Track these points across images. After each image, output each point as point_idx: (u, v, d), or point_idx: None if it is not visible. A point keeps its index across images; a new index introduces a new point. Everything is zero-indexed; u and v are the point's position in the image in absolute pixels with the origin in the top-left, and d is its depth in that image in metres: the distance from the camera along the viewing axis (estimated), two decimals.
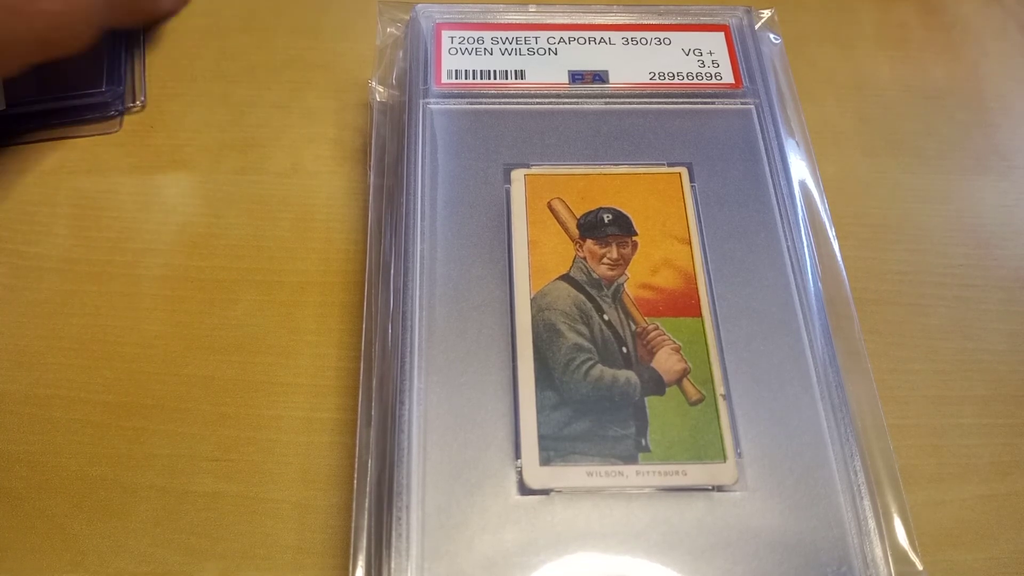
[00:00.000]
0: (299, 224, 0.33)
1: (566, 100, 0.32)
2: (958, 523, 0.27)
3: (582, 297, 0.27)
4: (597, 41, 0.33)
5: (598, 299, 0.27)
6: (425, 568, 0.23)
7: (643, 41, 0.34)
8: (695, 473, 0.24)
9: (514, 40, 0.33)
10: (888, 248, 0.33)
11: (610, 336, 0.26)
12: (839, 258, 0.30)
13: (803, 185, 0.31)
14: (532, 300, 0.27)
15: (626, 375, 0.26)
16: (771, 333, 0.27)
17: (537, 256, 0.28)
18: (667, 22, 0.34)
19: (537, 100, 0.32)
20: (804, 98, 0.34)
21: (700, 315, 0.27)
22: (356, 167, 0.35)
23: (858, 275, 0.32)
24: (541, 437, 0.25)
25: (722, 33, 0.34)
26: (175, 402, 0.29)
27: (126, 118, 0.36)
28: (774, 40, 0.35)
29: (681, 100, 0.32)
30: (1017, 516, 0.28)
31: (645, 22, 0.34)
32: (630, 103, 0.32)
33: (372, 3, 0.35)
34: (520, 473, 0.24)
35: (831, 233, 0.31)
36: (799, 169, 0.31)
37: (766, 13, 0.36)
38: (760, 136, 0.31)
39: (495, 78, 0.32)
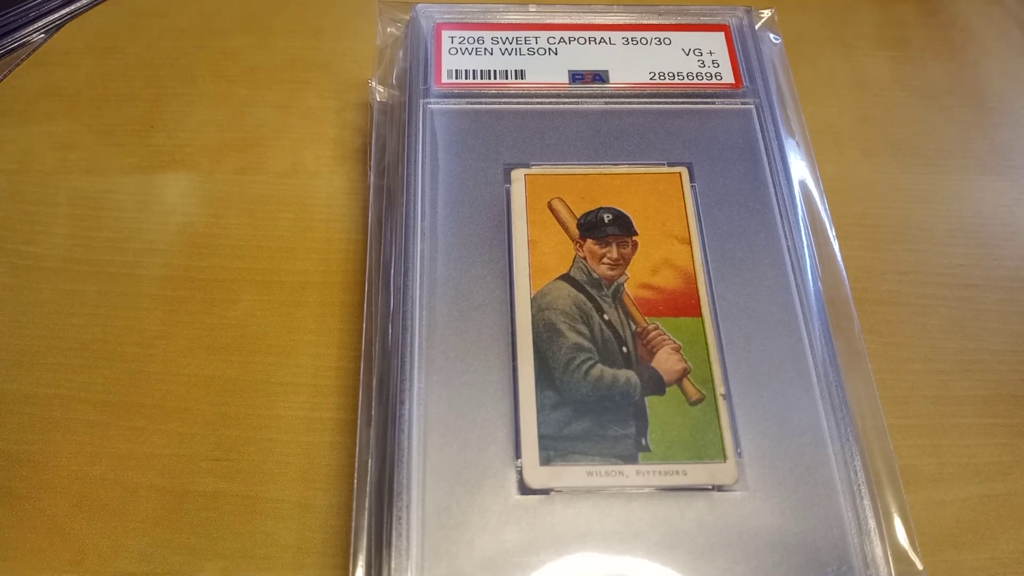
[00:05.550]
0: (299, 224, 0.33)
1: (566, 100, 0.32)
2: (958, 523, 0.27)
3: (582, 297, 0.27)
4: (597, 41, 0.33)
5: (598, 299, 0.27)
6: (425, 568, 0.23)
7: (643, 41, 0.34)
8: (695, 473, 0.24)
9: (514, 40, 0.33)
10: (888, 248, 0.33)
11: (610, 336, 0.26)
12: (839, 258, 0.30)
13: (803, 185, 0.31)
14: (532, 300, 0.27)
15: (626, 375, 0.26)
16: (771, 333, 0.27)
17: (537, 256, 0.28)
18: (667, 22, 0.34)
19: (537, 100, 0.32)
20: (804, 98, 0.34)
21: (700, 315, 0.27)
22: (356, 167, 0.35)
23: (858, 275, 0.32)
24: (541, 437, 0.25)
25: (722, 33, 0.34)
26: (175, 402, 0.29)
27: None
28: (774, 40, 0.35)
29: (681, 100, 0.32)
30: (1017, 516, 0.28)
31: (645, 22, 0.34)
32: (630, 103, 0.32)
33: (372, 3, 0.35)
34: (520, 473, 0.24)
35: (831, 233, 0.31)
36: (799, 169, 0.31)
37: (766, 13, 0.35)
38: (760, 136, 0.31)
39: (495, 78, 0.32)
